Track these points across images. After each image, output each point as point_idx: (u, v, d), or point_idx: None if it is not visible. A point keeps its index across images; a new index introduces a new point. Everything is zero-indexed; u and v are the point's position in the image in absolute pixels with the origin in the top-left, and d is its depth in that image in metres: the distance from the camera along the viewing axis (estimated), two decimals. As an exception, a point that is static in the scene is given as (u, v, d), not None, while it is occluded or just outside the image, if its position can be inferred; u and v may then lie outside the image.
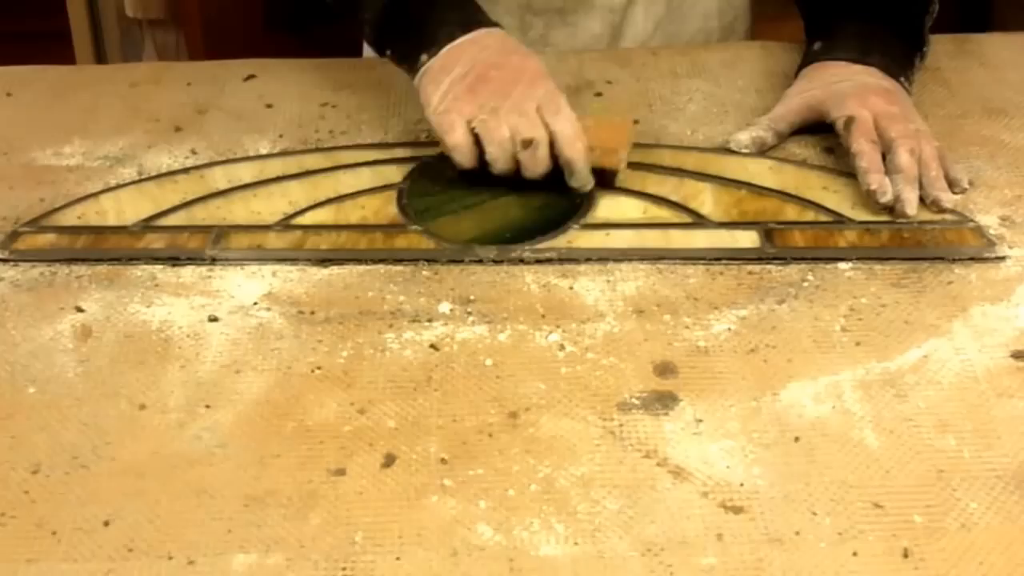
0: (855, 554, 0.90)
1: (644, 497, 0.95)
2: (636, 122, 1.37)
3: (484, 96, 1.27)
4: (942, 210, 1.25)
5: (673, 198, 1.28)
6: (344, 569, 0.89)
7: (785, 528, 0.92)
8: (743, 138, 1.37)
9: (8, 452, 1.00)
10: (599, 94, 1.47)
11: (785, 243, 1.21)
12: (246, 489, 0.96)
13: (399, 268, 1.20)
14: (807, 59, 1.45)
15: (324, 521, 0.93)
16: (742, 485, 0.96)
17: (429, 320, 1.13)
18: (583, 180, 1.27)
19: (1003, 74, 1.49)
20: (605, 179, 1.29)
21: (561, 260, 1.20)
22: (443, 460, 0.98)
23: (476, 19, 1.36)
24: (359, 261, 1.21)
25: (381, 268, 1.20)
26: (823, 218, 1.25)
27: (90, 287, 1.18)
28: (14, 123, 1.46)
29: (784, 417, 1.02)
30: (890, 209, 1.24)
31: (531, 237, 1.23)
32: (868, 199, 1.25)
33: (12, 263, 1.22)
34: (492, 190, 1.28)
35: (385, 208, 1.28)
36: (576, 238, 1.23)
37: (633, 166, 1.32)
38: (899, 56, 1.42)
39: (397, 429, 1.02)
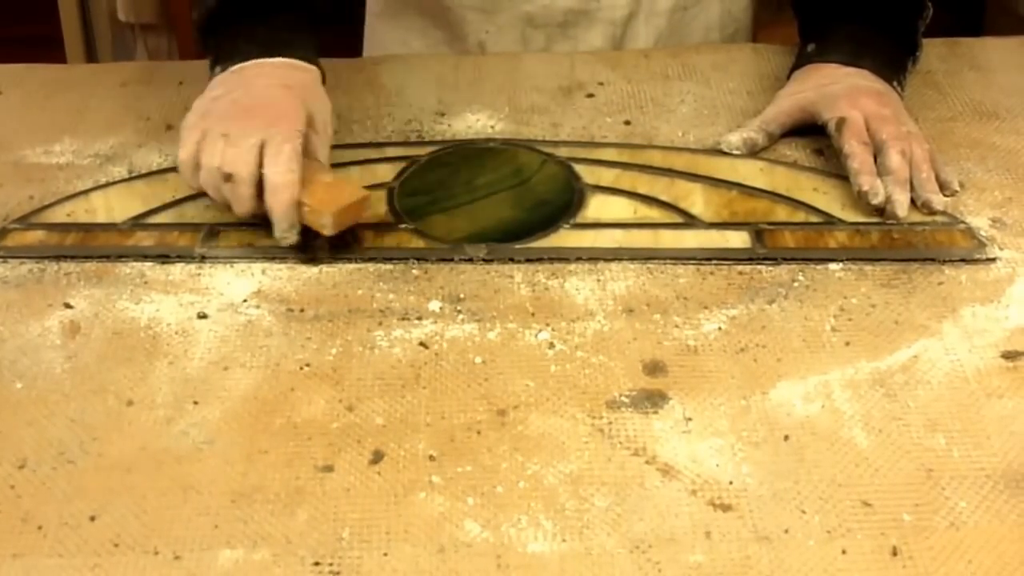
0: (844, 552, 0.90)
1: (632, 495, 0.95)
2: (366, 199, 1.25)
3: (221, 120, 1.22)
4: (932, 212, 1.25)
5: (664, 198, 1.28)
6: (331, 565, 0.89)
7: (774, 526, 0.92)
8: (734, 139, 1.36)
9: (-6, 447, 1.00)
10: (591, 95, 1.47)
11: (776, 244, 1.21)
12: (233, 485, 0.96)
13: (389, 267, 1.20)
14: (800, 61, 1.45)
15: (311, 517, 0.93)
16: (731, 483, 0.96)
17: (419, 318, 1.13)
18: (280, 231, 1.18)
19: (994, 77, 1.49)
20: (316, 241, 1.21)
21: (551, 259, 1.20)
22: (431, 457, 0.98)
23: (287, 46, 1.32)
24: (348, 259, 1.21)
25: (371, 267, 1.20)
26: (814, 219, 1.24)
27: (79, 284, 1.18)
28: (4, 121, 1.46)
29: (773, 416, 1.02)
30: (881, 211, 1.24)
31: (521, 236, 1.23)
32: (859, 200, 1.25)
33: (1, 260, 1.22)
34: (482, 189, 1.28)
35: (375, 207, 1.27)
36: (566, 237, 1.23)
37: (624, 167, 1.32)
38: (892, 59, 1.42)
39: (385, 426, 1.02)
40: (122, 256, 1.22)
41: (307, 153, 1.22)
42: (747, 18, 1.75)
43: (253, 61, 1.29)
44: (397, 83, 1.50)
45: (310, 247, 1.21)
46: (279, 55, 1.30)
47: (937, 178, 1.28)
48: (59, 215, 1.28)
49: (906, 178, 1.26)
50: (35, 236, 1.25)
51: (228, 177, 1.18)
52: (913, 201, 1.25)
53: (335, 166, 1.31)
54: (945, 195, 1.27)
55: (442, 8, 1.64)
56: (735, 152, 1.36)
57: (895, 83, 1.39)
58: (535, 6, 1.61)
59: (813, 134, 1.38)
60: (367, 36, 1.79)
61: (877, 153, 1.28)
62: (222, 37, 1.34)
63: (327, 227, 1.19)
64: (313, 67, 1.33)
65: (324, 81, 1.34)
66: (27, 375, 1.07)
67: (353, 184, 1.26)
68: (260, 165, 1.18)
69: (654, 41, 1.67)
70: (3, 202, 1.30)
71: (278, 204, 1.17)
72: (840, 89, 1.35)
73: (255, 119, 1.21)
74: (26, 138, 1.42)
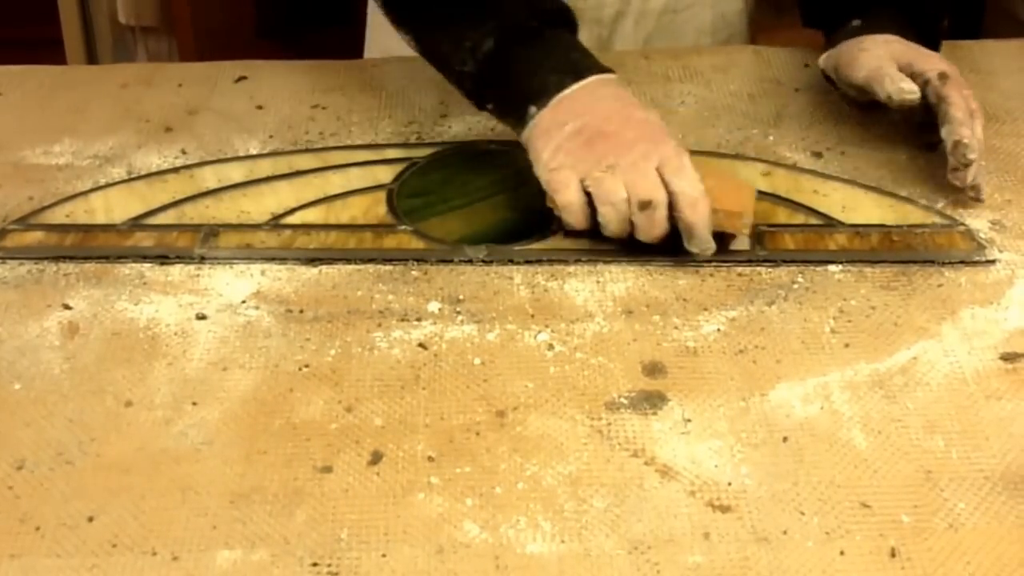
0: (842, 553, 0.89)
1: (631, 496, 0.95)
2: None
3: (600, 152, 1.18)
4: (977, 199, 1.28)
5: (663, 200, 1.27)
6: (329, 566, 0.89)
7: (772, 527, 0.92)
8: (906, 86, 1.31)
9: (-8, 447, 1.00)
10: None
11: (775, 246, 1.21)
12: (232, 486, 0.96)
13: (388, 268, 1.20)
14: (843, 35, 1.44)
15: (310, 518, 0.93)
16: (730, 484, 0.96)
17: (418, 319, 1.13)
18: (704, 244, 1.17)
19: (994, 80, 1.49)
20: (723, 245, 1.20)
21: (551, 261, 1.20)
22: (430, 458, 0.98)
23: (587, 65, 1.26)
24: (348, 261, 1.21)
25: (370, 268, 1.20)
26: (813, 221, 1.24)
27: (78, 285, 1.18)
28: (4, 122, 1.46)
29: (772, 417, 1.02)
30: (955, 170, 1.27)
31: (521, 238, 1.23)
32: (953, 150, 1.26)
33: (0, 261, 1.21)
34: (482, 191, 1.28)
35: (375, 208, 1.28)
36: (566, 239, 1.23)
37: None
38: (929, 32, 1.44)
39: (384, 427, 1.01)
40: (121, 257, 1.22)
41: None
42: (741, 23, 1.74)
43: (571, 89, 1.24)
44: (397, 84, 1.50)
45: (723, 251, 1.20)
46: (589, 75, 1.25)
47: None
48: (58, 216, 1.28)
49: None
50: (34, 237, 1.25)
51: (646, 204, 1.16)
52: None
53: (338, 167, 1.32)
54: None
55: None
56: (911, 96, 1.31)
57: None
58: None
59: (813, 136, 1.38)
60: (368, 42, 1.79)
61: None
62: (515, 76, 1.26)
63: (747, 227, 1.20)
64: (614, 74, 1.28)
65: None
66: (26, 376, 1.07)
67: (734, 179, 1.28)
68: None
69: (642, 43, 1.66)
70: (2, 203, 1.30)
71: (701, 217, 1.16)
72: (913, 48, 1.37)
73: (637, 142, 1.19)
74: (26, 139, 1.42)
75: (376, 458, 0.98)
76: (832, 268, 1.18)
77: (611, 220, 1.17)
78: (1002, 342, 1.09)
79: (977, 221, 1.25)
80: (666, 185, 1.16)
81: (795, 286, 1.16)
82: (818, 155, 1.36)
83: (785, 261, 1.19)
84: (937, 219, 1.24)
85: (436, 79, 1.47)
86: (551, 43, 1.27)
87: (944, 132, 1.27)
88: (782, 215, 1.25)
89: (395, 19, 1.34)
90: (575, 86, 1.23)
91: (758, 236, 1.22)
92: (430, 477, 0.96)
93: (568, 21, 1.31)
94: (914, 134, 1.39)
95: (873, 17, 1.43)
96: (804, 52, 1.58)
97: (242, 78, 1.55)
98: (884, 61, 1.34)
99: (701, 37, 1.70)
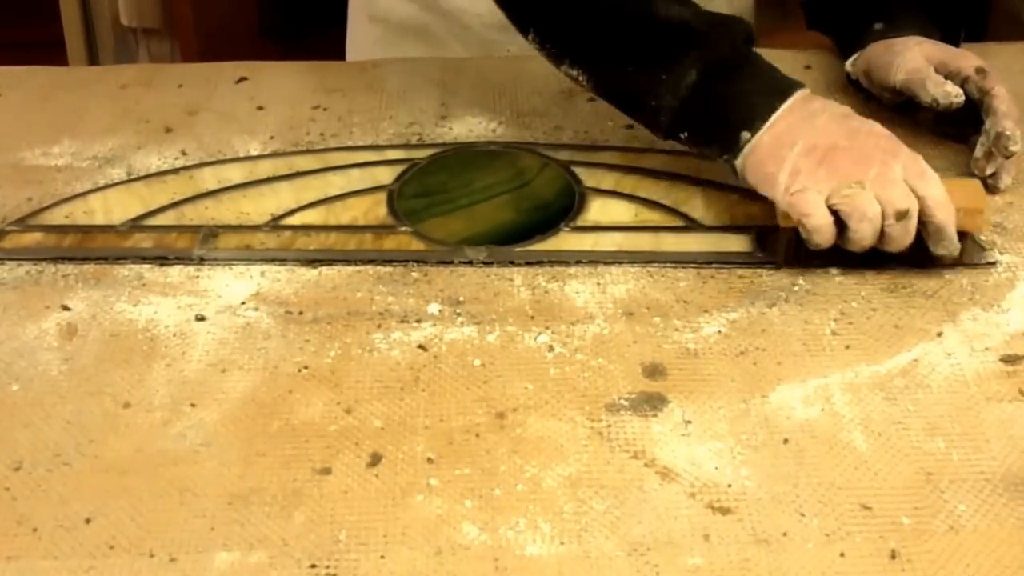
0: (842, 555, 0.89)
1: (631, 497, 0.94)
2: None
3: (842, 170, 1.16)
4: (995, 190, 1.30)
5: (665, 202, 1.27)
6: (328, 568, 0.89)
7: (772, 529, 0.91)
8: (951, 89, 1.33)
9: (-10, 449, 1.00)
10: (592, 99, 1.46)
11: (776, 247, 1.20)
12: (230, 487, 0.96)
13: (388, 269, 1.20)
14: (869, 39, 1.45)
15: (308, 519, 0.93)
16: (730, 486, 0.95)
17: (418, 321, 1.13)
18: (954, 246, 1.16)
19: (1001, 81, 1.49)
20: (964, 243, 1.19)
21: (551, 262, 1.20)
22: (429, 460, 0.98)
23: (787, 83, 1.24)
24: (348, 262, 1.21)
25: (370, 269, 1.20)
26: (814, 222, 1.24)
27: (76, 286, 1.18)
28: (3, 123, 1.46)
29: (773, 419, 1.01)
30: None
31: (521, 239, 1.22)
32: (996, 141, 1.28)
33: (-1, 262, 1.22)
34: (483, 192, 1.28)
35: (375, 209, 1.27)
36: (566, 240, 1.23)
37: (625, 170, 1.31)
38: (952, 33, 1.45)
39: (383, 429, 1.01)
40: (120, 258, 1.21)
41: None
42: (751, 21, 1.74)
43: (781, 109, 1.21)
44: (398, 86, 1.50)
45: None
46: (792, 92, 1.23)
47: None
48: (57, 217, 1.27)
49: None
50: (33, 238, 1.24)
51: (903, 215, 1.14)
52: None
53: (339, 168, 1.32)
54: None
55: (462, 29, 1.63)
56: (957, 99, 1.32)
57: None
58: None
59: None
60: (348, 46, 1.79)
61: None
62: (721, 105, 1.23)
63: (988, 224, 1.21)
64: (805, 87, 1.26)
65: None
66: (23, 377, 1.07)
67: (959, 178, 1.28)
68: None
69: None
70: (1, 204, 1.30)
71: (950, 217, 1.16)
72: (943, 47, 1.38)
73: (876, 153, 1.17)
74: (25, 140, 1.41)
75: (375, 460, 0.98)
76: (833, 270, 1.18)
77: (866, 235, 1.15)
78: (1003, 344, 1.09)
79: (978, 223, 1.24)
80: (913, 191, 1.15)
81: (796, 288, 1.16)
82: (819, 157, 1.35)
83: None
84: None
85: (437, 80, 1.47)
86: (750, 68, 1.25)
87: (988, 123, 1.29)
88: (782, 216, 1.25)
89: (561, 55, 1.29)
90: (783, 106, 1.21)
91: (759, 237, 1.21)
92: (429, 479, 0.96)
93: (753, 40, 1.29)
94: (944, 129, 1.40)
95: (896, 19, 1.44)
96: (805, 54, 1.57)
97: (243, 79, 1.55)
98: (920, 63, 1.35)
99: None
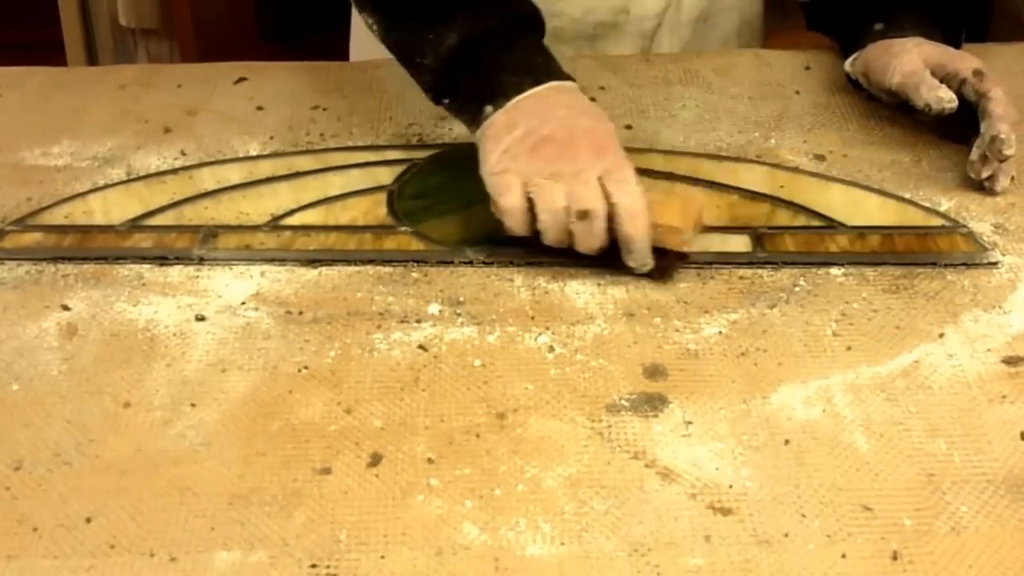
0: (844, 556, 0.89)
1: (632, 498, 0.94)
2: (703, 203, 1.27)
3: (545, 159, 1.18)
4: (992, 192, 1.30)
5: (664, 202, 1.27)
6: (328, 567, 0.89)
7: (774, 530, 0.91)
8: (945, 95, 1.32)
9: (-10, 448, 1.00)
10: (592, 99, 1.46)
11: (776, 248, 1.21)
12: (230, 487, 0.96)
13: (388, 269, 1.20)
14: (869, 38, 1.45)
15: (308, 519, 0.93)
16: (731, 487, 0.95)
17: (418, 321, 1.13)
18: (642, 259, 1.16)
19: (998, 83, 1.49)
20: (666, 260, 1.18)
21: (551, 263, 1.20)
22: (430, 460, 0.98)
23: (548, 70, 1.26)
24: (348, 262, 1.21)
25: (370, 269, 1.20)
26: (815, 223, 1.24)
27: (76, 286, 1.18)
28: (3, 123, 1.45)
29: (774, 420, 1.01)
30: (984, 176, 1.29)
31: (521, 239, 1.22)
32: (990, 144, 1.27)
33: (-2, 261, 1.21)
34: (483, 193, 1.27)
35: (375, 210, 1.27)
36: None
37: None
38: (953, 34, 1.45)
39: (384, 429, 1.01)
40: (120, 258, 1.21)
41: None
42: (761, 26, 1.75)
43: (528, 92, 1.23)
44: (398, 86, 1.50)
45: (662, 267, 1.18)
46: (548, 80, 1.25)
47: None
48: (57, 217, 1.27)
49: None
50: (33, 238, 1.24)
51: (583, 215, 1.14)
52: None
53: (339, 168, 1.31)
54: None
55: None
56: (949, 105, 1.31)
57: None
58: (563, 20, 1.60)
59: (815, 139, 1.38)
60: (352, 47, 1.79)
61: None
62: (475, 75, 1.26)
63: (688, 242, 1.18)
64: (574, 81, 1.28)
65: None
66: (24, 376, 1.07)
67: (683, 193, 1.27)
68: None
69: (680, 51, 1.66)
70: (1, 203, 1.30)
71: (638, 230, 1.15)
72: (943, 49, 1.38)
73: (582, 150, 1.18)
74: (24, 140, 1.41)
75: (375, 460, 0.98)
76: (834, 271, 1.18)
77: (549, 228, 1.17)
78: (1005, 345, 1.09)
79: (980, 224, 1.24)
80: (607, 197, 1.15)
81: (797, 289, 1.16)
82: (820, 158, 1.35)
83: (787, 263, 1.19)
84: (940, 222, 1.24)
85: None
86: (514, 46, 1.27)
87: (984, 127, 1.28)
88: (783, 217, 1.25)
89: (363, 4, 1.33)
90: (531, 91, 1.23)
91: (759, 238, 1.21)
92: (430, 479, 0.96)
93: (535, 26, 1.30)
94: (944, 130, 1.40)
95: (896, 20, 1.44)
96: (805, 55, 1.57)
97: (242, 79, 1.54)
98: (917, 66, 1.35)
99: (728, 42, 1.70)
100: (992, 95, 1.30)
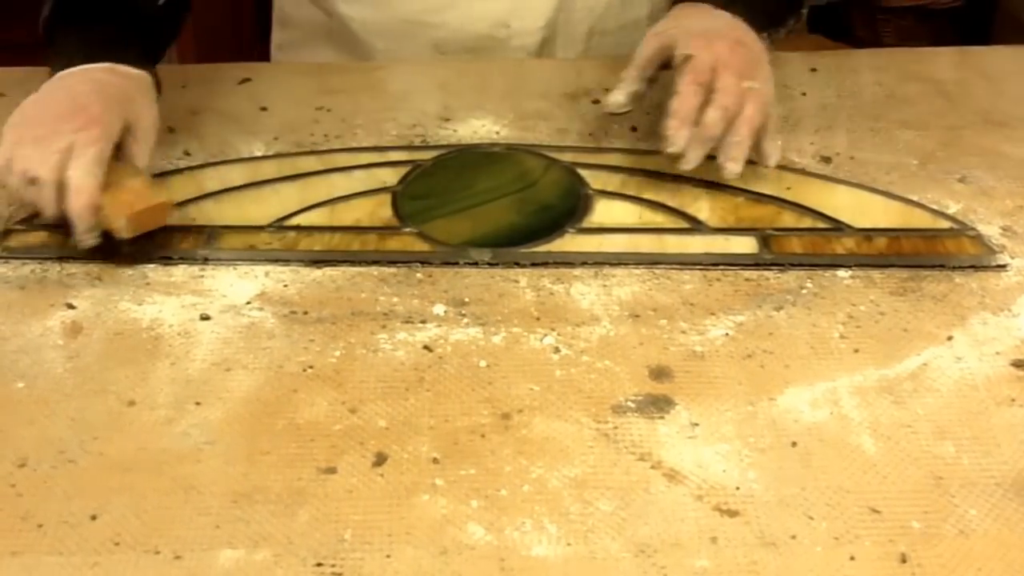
0: (852, 558, 0.89)
1: (637, 499, 0.94)
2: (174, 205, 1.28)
3: (36, 124, 1.21)
4: (723, 179, 1.25)
5: (670, 204, 1.27)
6: (333, 566, 0.89)
7: (780, 532, 0.91)
8: (619, 99, 1.32)
9: (-6, 446, 1.00)
10: (596, 101, 1.46)
11: (783, 249, 1.20)
12: (234, 486, 0.95)
13: (392, 270, 1.19)
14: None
15: (313, 518, 0.92)
16: (737, 489, 0.95)
17: (422, 321, 1.12)
18: (77, 233, 1.18)
19: (1004, 87, 1.48)
20: (113, 244, 1.21)
21: (556, 264, 1.19)
22: (435, 460, 0.97)
23: (108, 51, 1.30)
24: (352, 263, 1.20)
25: (374, 270, 1.19)
26: (821, 225, 1.23)
27: (81, 285, 1.17)
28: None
29: (781, 422, 1.01)
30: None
31: (526, 240, 1.22)
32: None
33: (3, 260, 1.21)
34: (487, 193, 1.27)
35: (379, 210, 1.27)
36: (571, 242, 1.22)
37: (630, 172, 1.31)
38: (769, 10, 1.40)
39: (388, 429, 1.01)
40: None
41: (123, 158, 1.23)
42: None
43: (79, 67, 1.28)
44: (402, 87, 1.50)
45: (110, 251, 1.21)
46: (104, 60, 1.28)
47: (759, 146, 1.27)
48: (62, 216, 1.27)
49: (711, 136, 1.23)
50: (38, 237, 1.24)
51: (33, 180, 1.17)
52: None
53: (342, 169, 1.31)
54: (765, 167, 1.28)
55: (350, 36, 1.63)
56: (623, 111, 1.32)
57: (765, 35, 1.36)
58: (445, 32, 1.60)
59: (822, 141, 1.37)
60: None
61: (706, 103, 1.24)
62: (56, 44, 1.33)
63: (123, 230, 1.19)
64: (141, 72, 1.31)
65: (160, 88, 1.33)
66: (28, 374, 1.07)
67: (160, 190, 1.26)
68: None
69: None
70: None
71: (75, 206, 1.17)
72: (699, 30, 1.31)
73: (66, 123, 1.20)
74: (29, 139, 1.40)
75: (380, 459, 0.98)
76: (841, 273, 1.18)
77: (12, 192, 1.21)
78: (1013, 348, 1.09)
79: (988, 227, 1.24)
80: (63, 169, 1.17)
81: (803, 291, 1.16)
82: (827, 160, 1.35)
83: (793, 265, 1.18)
84: (947, 224, 1.24)
85: (441, 82, 1.47)
86: (94, 27, 1.33)
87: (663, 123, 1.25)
88: (789, 219, 1.24)
89: None
90: (78, 67, 1.28)
91: (765, 239, 1.21)
92: (435, 479, 0.96)
93: (127, 12, 1.36)
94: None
95: None
96: (811, 57, 1.57)
97: (245, 80, 1.54)
98: (648, 46, 1.32)
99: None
100: (676, 88, 1.24)
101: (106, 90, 1.25)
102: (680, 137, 1.22)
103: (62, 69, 1.28)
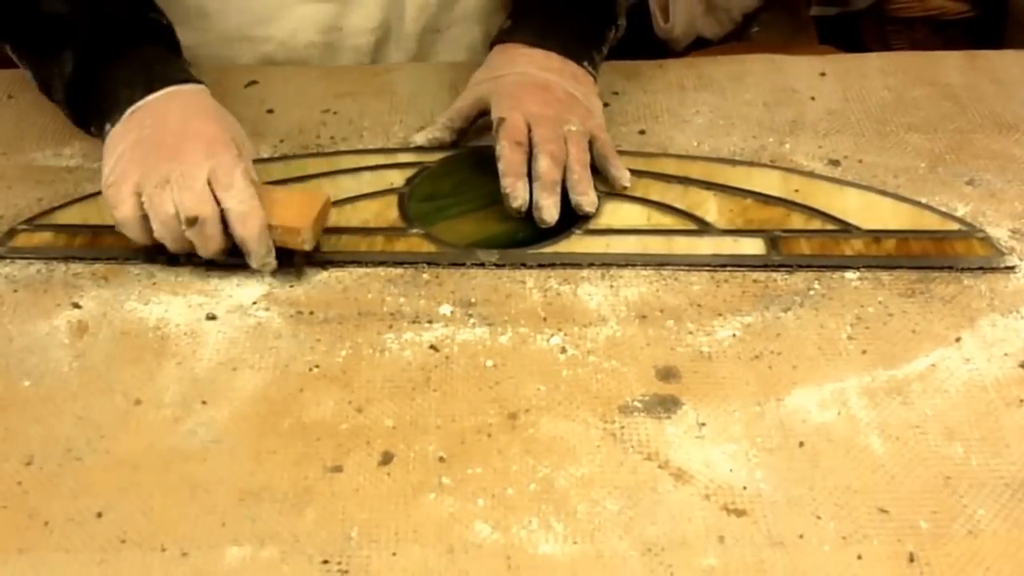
0: (859, 558, 0.89)
1: (645, 499, 0.94)
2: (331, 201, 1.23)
3: (155, 165, 1.15)
4: (584, 214, 1.25)
5: (678, 205, 1.26)
6: (339, 564, 0.89)
7: (788, 531, 0.91)
8: (419, 139, 1.36)
9: (1, 444, 1.00)
10: (606, 104, 1.46)
11: (791, 251, 1.20)
12: (241, 484, 0.95)
13: (399, 271, 1.19)
14: (496, 37, 1.42)
15: (319, 516, 0.92)
16: (745, 489, 0.95)
17: (429, 322, 1.12)
18: (260, 260, 1.16)
19: (1014, 90, 1.48)
20: (293, 260, 1.19)
21: (563, 265, 1.19)
22: (441, 459, 0.97)
23: (165, 76, 1.24)
24: (359, 263, 1.20)
25: (381, 271, 1.19)
26: (829, 227, 1.23)
27: (87, 284, 1.17)
28: (15, 124, 1.45)
29: (788, 422, 1.01)
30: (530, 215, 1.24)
31: (533, 242, 1.22)
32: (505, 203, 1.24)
33: (9, 260, 1.21)
34: (494, 195, 1.26)
35: (386, 212, 1.27)
36: (579, 243, 1.22)
37: (638, 174, 1.30)
38: (585, 34, 1.40)
39: (395, 428, 1.01)
40: (130, 258, 1.21)
41: None
42: None
43: (142, 101, 1.22)
44: (409, 90, 1.49)
45: (289, 265, 1.19)
46: (164, 86, 1.23)
47: (606, 175, 1.29)
48: (68, 217, 1.27)
49: (553, 181, 1.24)
50: (44, 237, 1.24)
51: (192, 221, 1.12)
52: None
53: (350, 171, 1.31)
54: (618, 190, 1.28)
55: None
56: (425, 145, 1.36)
57: (586, 62, 1.37)
58: (272, 45, 1.59)
59: (829, 144, 1.37)
60: None
61: (532, 157, 1.26)
62: (96, 95, 1.26)
63: (307, 242, 1.17)
64: (200, 86, 1.27)
65: None
66: (34, 373, 1.07)
67: (307, 190, 1.26)
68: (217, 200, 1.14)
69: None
70: (12, 203, 1.29)
71: (251, 232, 1.14)
72: (509, 85, 1.33)
73: (188, 154, 1.16)
74: (36, 141, 1.41)
75: (387, 459, 0.98)
76: (849, 275, 1.17)
77: (164, 237, 1.15)
78: (1021, 350, 1.08)
79: (997, 229, 1.23)
80: (219, 201, 1.13)
81: (811, 292, 1.15)
82: (835, 163, 1.35)
83: (801, 267, 1.18)
84: (956, 226, 1.23)
85: (449, 84, 1.47)
86: (129, 59, 1.26)
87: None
88: (797, 220, 1.24)
89: (12, 50, 1.34)
90: (147, 99, 1.22)
91: (773, 241, 1.21)
92: (441, 478, 0.96)
93: (155, 35, 1.31)
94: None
95: (522, 13, 1.42)
96: (820, 60, 1.57)
97: (252, 82, 1.54)
98: (462, 101, 1.36)
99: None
100: (497, 152, 1.26)
101: (197, 110, 1.22)
102: (519, 189, 1.23)
103: (121, 112, 1.22)
